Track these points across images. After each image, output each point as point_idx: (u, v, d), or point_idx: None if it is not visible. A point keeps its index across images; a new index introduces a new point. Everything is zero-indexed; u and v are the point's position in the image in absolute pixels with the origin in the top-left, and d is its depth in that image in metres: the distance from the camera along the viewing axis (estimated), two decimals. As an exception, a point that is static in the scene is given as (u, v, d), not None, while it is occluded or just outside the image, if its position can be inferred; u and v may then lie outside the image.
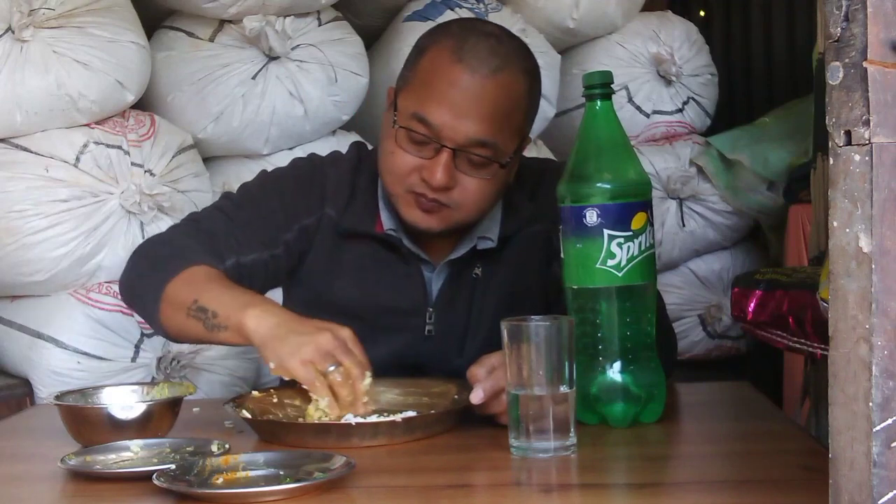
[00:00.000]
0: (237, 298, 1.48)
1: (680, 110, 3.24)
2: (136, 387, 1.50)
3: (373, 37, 3.02)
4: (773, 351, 2.65)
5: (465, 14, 2.80)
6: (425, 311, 1.65)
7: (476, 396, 1.34)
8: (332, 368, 1.37)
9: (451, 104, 1.51)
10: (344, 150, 1.75)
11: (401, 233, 1.62)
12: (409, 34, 2.71)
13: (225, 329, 1.46)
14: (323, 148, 2.13)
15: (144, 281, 1.58)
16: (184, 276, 1.53)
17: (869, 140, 0.76)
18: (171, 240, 1.63)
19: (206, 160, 2.68)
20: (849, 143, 0.77)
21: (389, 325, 1.64)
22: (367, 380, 1.38)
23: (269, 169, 1.77)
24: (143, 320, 1.67)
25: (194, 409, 1.59)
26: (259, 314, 1.44)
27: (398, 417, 1.36)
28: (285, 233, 1.63)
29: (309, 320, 1.44)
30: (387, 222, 1.63)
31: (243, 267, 1.59)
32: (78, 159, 2.38)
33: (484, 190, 1.56)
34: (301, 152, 2.63)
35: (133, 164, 2.43)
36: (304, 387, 1.39)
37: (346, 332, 1.41)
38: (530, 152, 2.90)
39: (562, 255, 1.40)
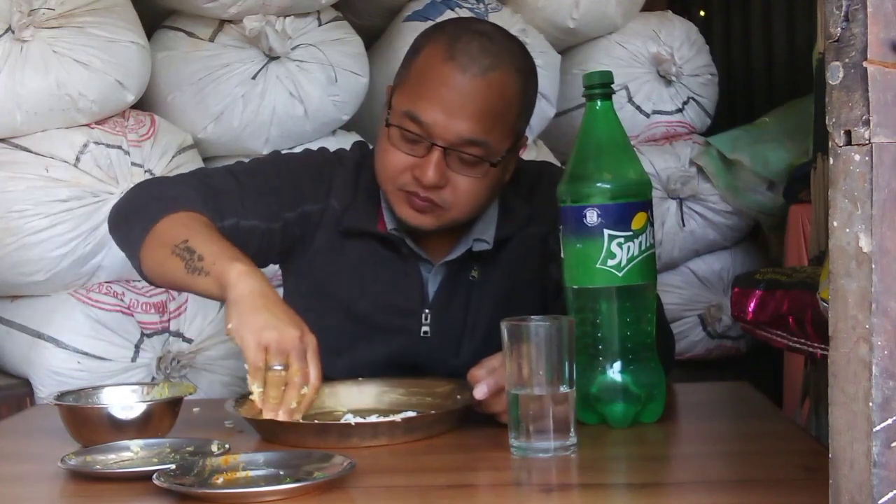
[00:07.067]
0: (227, 250, 1.45)
1: (680, 110, 3.23)
2: (136, 387, 1.51)
3: (373, 37, 3.02)
4: (773, 351, 2.64)
5: (465, 14, 2.80)
6: (421, 312, 1.65)
7: (480, 392, 1.34)
8: (277, 367, 1.33)
9: (442, 103, 1.51)
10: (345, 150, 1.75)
11: (403, 232, 1.62)
12: (409, 34, 2.70)
13: (206, 275, 1.43)
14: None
15: (139, 210, 1.56)
16: (180, 217, 1.52)
17: (869, 140, 0.76)
18: (177, 184, 1.63)
19: (206, 160, 2.68)
20: (849, 143, 0.77)
21: (386, 325, 1.64)
22: (303, 390, 1.33)
23: None
24: (121, 248, 1.62)
25: (194, 409, 1.59)
26: (245, 271, 1.40)
27: (398, 418, 1.36)
28: (287, 211, 1.63)
29: (289, 309, 1.39)
30: (389, 222, 1.63)
31: (241, 230, 1.58)
32: (78, 159, 2.38)
33: (476, 189, 1.55)
34: (301, 152, 2.63)
35: (133, 164, 2.43)
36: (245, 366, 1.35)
37: (311, 340, 1.36)
38: (530, 152, 2.90)
39: (562, 256, 1.40)
